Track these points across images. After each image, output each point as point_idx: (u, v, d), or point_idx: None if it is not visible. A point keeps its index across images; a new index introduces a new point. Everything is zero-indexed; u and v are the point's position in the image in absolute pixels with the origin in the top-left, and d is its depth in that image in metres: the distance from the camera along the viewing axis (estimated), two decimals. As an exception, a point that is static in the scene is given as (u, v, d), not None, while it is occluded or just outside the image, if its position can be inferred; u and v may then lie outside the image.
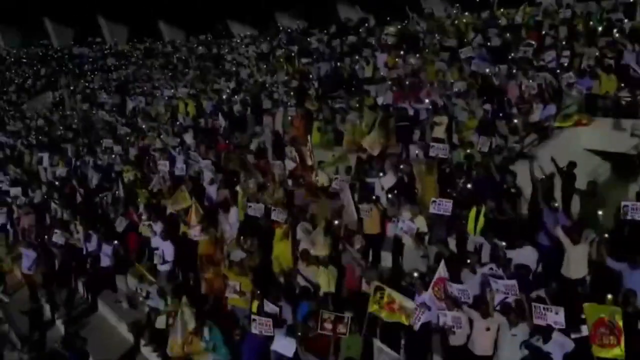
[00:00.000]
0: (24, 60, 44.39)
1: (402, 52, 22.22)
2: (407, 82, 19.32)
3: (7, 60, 45.76)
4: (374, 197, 12.12)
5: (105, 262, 14.12)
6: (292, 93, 22.33)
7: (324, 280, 10.20)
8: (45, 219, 18.45)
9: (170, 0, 41.11)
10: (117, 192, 16.79)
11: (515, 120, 14.33)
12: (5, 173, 22.96)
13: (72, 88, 36.70)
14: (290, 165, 15.60)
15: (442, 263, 8.74)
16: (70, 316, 13.85)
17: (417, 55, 21.62)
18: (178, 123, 22.37)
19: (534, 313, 7.45)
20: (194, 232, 12.78)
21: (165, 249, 12.92)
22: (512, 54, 18.40)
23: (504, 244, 9.13)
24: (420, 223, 10.84)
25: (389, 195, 12.09)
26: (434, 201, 10.59)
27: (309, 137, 16.06)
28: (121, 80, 35.35)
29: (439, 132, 15.39)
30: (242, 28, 38.80)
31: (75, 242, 14.59)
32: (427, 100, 16.69)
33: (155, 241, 13.94)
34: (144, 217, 15.08)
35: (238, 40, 34.92)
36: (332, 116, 19.38)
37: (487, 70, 16.98)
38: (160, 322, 10.70)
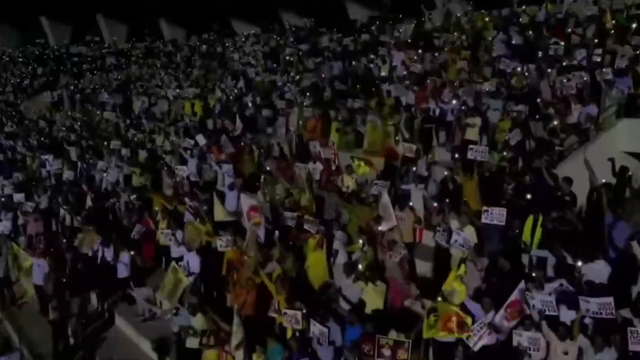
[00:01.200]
0: (21, 60, 43.27)
1: (420, 51, 21.50)
2: (428, 81, 18.68)
3: (2, 60, 44.62)
4: (410, 204, 11.37)
5: (122, 272, 13.27)
6: (307, 93, 21.57)
7: (372, 298, 9.42)
8: (53, 226, 17.67)
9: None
10: (130, 198, 15.88)
11: (555, 122, 13.62)
12: (6, 177, 21.99)
13: (72, 88, 35.68)
14: (316, 168, 14.84)
15: (522, 284, 7.93)
16: (85, 329, 13.00)
17: (437, 54, 20.96)
18: (190, 123, 21.40)
19: (630, 338, 6.71)
20: (222, 241, 11.91)
21: (191, 260, 12.08)
22: (540, 53, 17.75)
23: (580, 263, 8.33)
24: (470, 233, 10.09)
25: (435, 204, 11.35)
26: (486, 210, 9.84)
27: (332, 139, 15.19)
28: (122, 79, 34.36)
29: (472, 134, 14.70)
30: (245, 26, 37.90)
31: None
32: (454, 101, 15.94)
33: (177, 251, 13.16)
34: (161, 224, 14.29)
35: (243, 40, 34.03)
36: (351, 117, 18.65)
37: (519, 69, 16.25)
38: (192, 342, 9.90)
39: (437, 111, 16.57)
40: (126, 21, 45.62)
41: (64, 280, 13.20)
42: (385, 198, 11.03)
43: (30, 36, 47.87)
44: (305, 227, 11.36)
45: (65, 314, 12.70)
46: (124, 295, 13.31)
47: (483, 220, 9.84)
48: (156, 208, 15.40)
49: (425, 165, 12.64)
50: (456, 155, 14.24)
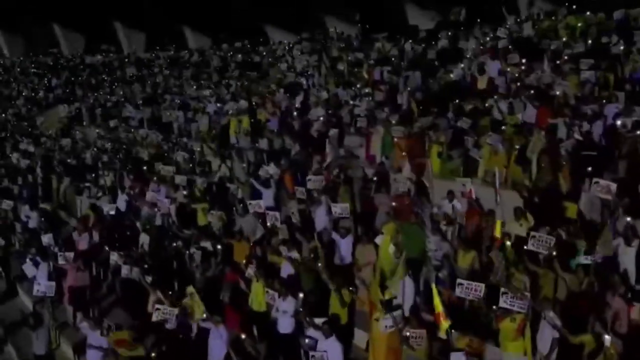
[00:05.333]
0: (33, 71, 39.76)
1: (524, 59, 18.18)
2: (557, 93, 15.36)
3: (12, 71, 41.11)
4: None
5: (217, 352, 9.69)
6: (386, 109, 18.21)
7: None
8: (95, 275, 14.16)
9: (196, 3, 36.89)
10: (213, 245, 12.26)
11: None
12: (32, 207, 18.39)
13: (91, 101, 32.23)
14: (457, 206, 11.44)
15: None
16: None
17: (546, 62, 17.68)
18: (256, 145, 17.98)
19: None
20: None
21: (331, 349, 8.50)
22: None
23: None
24: None
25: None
26: None
27: (497, 170, 11.73)
28: (149, 92, 30.92)
29: (651, 167, 11.41)
30: (281, 34, 34.54)
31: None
32: (618, 122, 12.62)
33: (287, 323, 9.69)
34: (256, 283, 10.77)
35: (287, 48, 30.65)
36: (457, 138, 15.29)
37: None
38: None
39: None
40: (145, 28, 42.24)
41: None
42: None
43: (41, 45, 44.50)
44: (504, 303, 7.83)
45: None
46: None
47: None
48: (239, 259, 11.96)
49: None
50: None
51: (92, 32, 43.31)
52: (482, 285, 8.24)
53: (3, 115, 33.55)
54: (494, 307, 8.08)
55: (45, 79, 37.36)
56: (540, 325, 7.93)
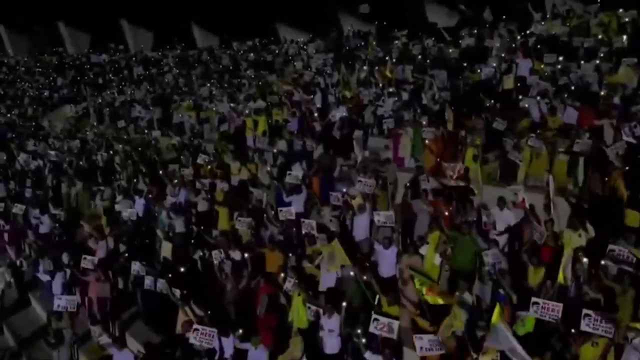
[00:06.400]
0: (38, 70, 38.90)
1: (560, 58, 17.36)
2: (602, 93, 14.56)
3: (17, 70, 40.24)
4: None
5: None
6: (417, 109, 17.43)
7: None
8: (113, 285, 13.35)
9: (204, 1, 36.12)
10: (244, 255, 11.42)
11: None
12: (43, 211, 17.55)
13: (99, 100, 31.39)
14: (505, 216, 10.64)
15: None
16: None
17: (583, 61, 16.88)
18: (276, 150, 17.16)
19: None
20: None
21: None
22: None
23: None
24: None
25: None
26: None
27: (550, 179, 10.89)
28: (159, 92, 30.06)
29: None
30: (293, 32, 33.67)
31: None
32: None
33: (332, 343, 8.88)
34: (296, 297, 9.96)
35: (302, 46, 29.77)
36: (494, 140, 14.49)
37: None
38: None
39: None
40: (152, 28, 41.39)
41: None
42: None
43: (44, 44, 43.70)
44: (586, 327, 7.02)
45: None
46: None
47: None
48: (272, 269, 11.16)
49: None
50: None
51: (97, 31, 42.47)
52: (560, 305, 7.42)
53: (9, 115, 32.71)
54: (573, 330, 7.27)
55: (51, 77, 36.52)
56: (625, 351, 7.12)
